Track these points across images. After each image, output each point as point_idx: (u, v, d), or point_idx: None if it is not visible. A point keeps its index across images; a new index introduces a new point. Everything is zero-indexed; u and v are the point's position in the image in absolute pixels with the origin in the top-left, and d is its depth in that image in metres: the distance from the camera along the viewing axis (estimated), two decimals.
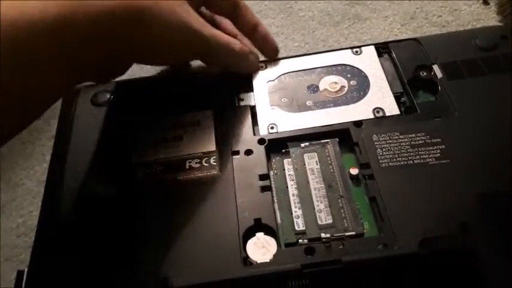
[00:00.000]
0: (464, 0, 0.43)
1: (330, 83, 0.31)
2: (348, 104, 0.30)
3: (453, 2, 0.43)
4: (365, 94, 0.30)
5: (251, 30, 0.32)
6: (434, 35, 0.35)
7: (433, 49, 0.32)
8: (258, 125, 0.29)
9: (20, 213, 0.36)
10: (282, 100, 0.30)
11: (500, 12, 0.42)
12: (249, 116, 0.30)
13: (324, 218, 0.25)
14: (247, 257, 0.24)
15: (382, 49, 0.33)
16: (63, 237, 0.26)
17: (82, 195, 0.27)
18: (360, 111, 0.29)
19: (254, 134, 0.29)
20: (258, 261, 0.24)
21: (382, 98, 0.29)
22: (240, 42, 0.30)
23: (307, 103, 0.30)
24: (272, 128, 0.29)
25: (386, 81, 0.30)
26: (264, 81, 0.32)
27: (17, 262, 0.33)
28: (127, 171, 0.27)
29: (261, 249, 0.24)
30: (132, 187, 0.27)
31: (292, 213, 0.26)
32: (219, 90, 0.31)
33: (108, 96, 0.31)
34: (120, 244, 0.25)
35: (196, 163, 0.27)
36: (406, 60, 0.32)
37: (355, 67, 0.32)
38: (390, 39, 0.41)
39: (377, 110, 0.29)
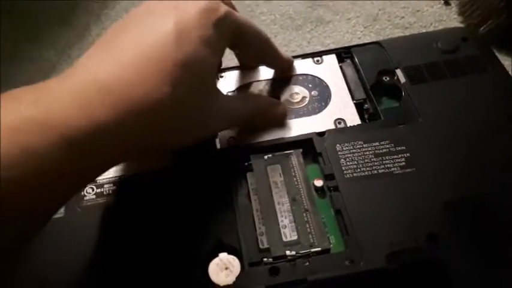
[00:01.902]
0: (426, 1, 0.43)
1: (291, 94, 0.30)
2: (309, 115, 0.29)
3: (415, 3, 0.43)
4: (326, 104, 0.29)
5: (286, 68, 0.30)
6: (397, 38, 0.35)
7: (395, 53, 0.31)
8: (217, 138, 0.28)
9: None
10: None
11: (461, 13, 0.42)
12: None
13: (289, 234, 0.24)
14: (209, 280, 0.22)
15: (345, 54, 0.32)
16: None
17: None
18: (321, 122, 0.28)
19: (215, 147, 0.27)
20: (221, 285, 0.22)
21: (343, 108, 0.29)
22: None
23: None
24: (230, 141, 0.28)
25: (348, 91, 0.30)
26: (224, 92, 0.30)
27: None
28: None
29: (224, 270, 0.23)
30: (81, 208, 0.25)
31: (256, 230, 0.24)
32: None
33: None
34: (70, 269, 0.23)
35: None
36: (368, 65, 0.31)
37: (316, 77, 0.31)
38: (353, 42, 0.41)
39: (338, 121, 0.28)
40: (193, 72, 0.20)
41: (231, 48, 0.27)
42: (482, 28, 0.38)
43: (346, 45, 0.33)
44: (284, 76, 0.31)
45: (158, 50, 0.20)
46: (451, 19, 0.42)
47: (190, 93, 0.20)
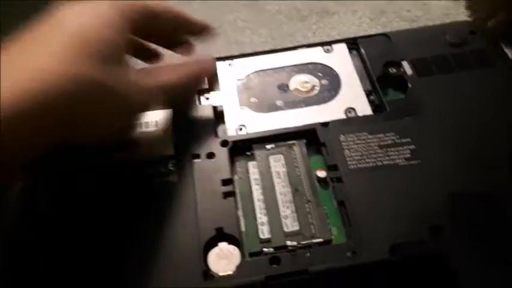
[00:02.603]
0: None
1: (300, 82, 0.30)
2: (319, 104, 0.28)
3: None
4: (336, 94, 0.29)
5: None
6: (404, 30, 0.34)
7: (402, 45, 0.31)
8: (225, 126, 0.28)
9: None
10: (251, 100, 0.29)
11: (469, 6, 0.41)
12: (212, 116, 0.28)
13: (290, 224, 0.24)
14: (208, 269, 0.22)
15: (351, 45, 0.32)
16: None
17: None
18: (331, 111, 0.28)
19: (217, 136, 0.27)
20: (220, 274, 0.22)
21: (353, 97, 0.28)
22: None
23: (278, 103, 0.29)
24: (241, 129, 0.27)
25: (358, 80, 0.29)
26: (232, 80, 0.30)
27: None
28: (73, 173, 0.25)
29: (224, 260, 0.23)
30: (80, 192, 0.25)
31: (256, 220, 0.24)
32: None
33: None
34: (66, 256, 0.23)
35: (153, 169, 0.26)
36: (375, 56, 0.31)
37: (326, 65, 0.30)
38: (360, 34, 0.40)
39: (349, 110, 0.28)
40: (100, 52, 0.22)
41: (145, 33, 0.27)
42: (490, 22, 0.38)
43: (352, 36, 0.33)
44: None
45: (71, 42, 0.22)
46: (458, 13, 0.41)
47: (99, 71, 0.22)
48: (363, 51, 0.31)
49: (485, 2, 0.39)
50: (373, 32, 0.40)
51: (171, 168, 0.26)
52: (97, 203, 0.25)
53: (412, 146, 0.26)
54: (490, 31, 0.37)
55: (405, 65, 0.30)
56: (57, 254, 0.23)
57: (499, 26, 0.37)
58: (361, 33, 0.40)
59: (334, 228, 0.24)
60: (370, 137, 0.26)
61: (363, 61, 0.31)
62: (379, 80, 0.29)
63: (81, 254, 0.23)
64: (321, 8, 0.43)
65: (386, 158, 0.25)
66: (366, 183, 0.24)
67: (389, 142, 0.26)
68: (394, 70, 0.30)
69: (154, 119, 0.28)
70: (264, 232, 0.24)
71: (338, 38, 0.39)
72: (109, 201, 0.25)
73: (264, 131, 0.27)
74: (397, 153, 0.25)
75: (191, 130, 0.27)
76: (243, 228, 0.24)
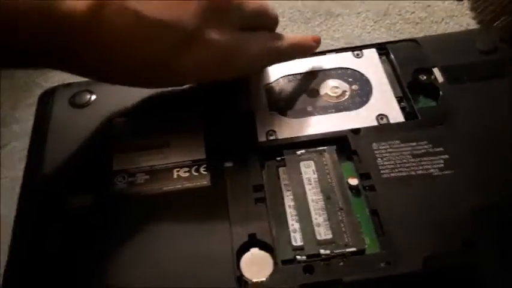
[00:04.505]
0: None
1: (330, 88, 0.29)
2: (350, 109, 0.28)
3: None
4: (368, 100, 0.28)
5: None
6: (433, 36, 0.34)
7: (432, 51, 0.31)
8: (255, 131, 0.27)
9: None
10: (281, 105, 0.29)
11: (473, 8, 0.41)
12: (244, 121, 0.28)
13: (323, 232, 0.23)
14: (242, 275, 0.22)
15: (380, 50, 0.31)
16: (37, 251, 0.23)
17: (58, 204, 0.24)
18: (362, 117, 0.27)
19: (249, 141, 0.27)
20: (253, 280, 0.22)
21: (385, 104, 0.28)
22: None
23: (308, 108, 0.28)
24: (271, 134, 0.27)
25: (390, 86, 0.29)
26: (261, 84, 0.30)
27: None
28: (107, 179, 0.25)
29: (256, 266, 0.23)
30: (113, 197, 0.25)
31: (288, 227, 0.24)
32: (210, 92, 0.29)
33: (88, 97, 0.29)
34: (98, 260, 0.23)
35: (184, 172, 0.25)
36: (404, 62, 0.30)
37: (356, 71, 0.30)
38: (363, 36, 0.40)
39: (381, 116, 0.27)
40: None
41: None
42: (495, 25, 0.37)
43: (355, 39, 0.32)
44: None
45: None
46: (462, 14, 0.41)
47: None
48: (392, 56, 0.31)
49: (490, 4, 0.38)
50: (377, 34, 0.40)
51: (203, 172, 0.25)
52: (125, 204, 0.25)
53: (446, 156, 0.25)
54: (496, 33, 0.37)
55: (436, 71, 0.29)
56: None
57: (504, 28, 0.37)
58: (365, 36, 0.40)
59: (367, 238, 0.24)
60: (402, 145, 0.26)
61: (392, 67, 0.30)
62: (410, 86, 0.29)
63: (114, 257, 0.23)
64: (324, 10, 0.43)
65: (420, 167, 0.25)
66: (399, 193, 0.24)
67: (422, 151, 0.26)
68: (425, 77, 0.29)
69: (185, 122, 0.27)
70: (297, 239, 0.23)
71: (342, 40, 0.39)
72: (138, 203, 0.25)
73: (295, 137, 0.27)
74: (430, 162, 0.25)
75: (222, 134, 0.27)
76: (274, 233, 0.24)
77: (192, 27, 0.23)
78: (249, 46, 0.26)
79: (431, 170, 0.25)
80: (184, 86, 0.28)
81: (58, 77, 0.37)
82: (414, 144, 0.26)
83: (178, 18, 0.23)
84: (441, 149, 0.26)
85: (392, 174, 0.25)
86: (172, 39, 0.23)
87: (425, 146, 0.26)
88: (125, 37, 0.22)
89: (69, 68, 0.24)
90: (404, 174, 0.25)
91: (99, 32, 0.22)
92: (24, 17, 0.21)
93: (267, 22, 0.28)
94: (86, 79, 0.27)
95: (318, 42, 0.30)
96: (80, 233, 0.23)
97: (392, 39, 0.34)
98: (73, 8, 0.21)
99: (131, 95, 0.29)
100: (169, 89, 0.28)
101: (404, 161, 0.25)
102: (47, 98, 0.29)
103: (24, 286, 0.22)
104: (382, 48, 0.31)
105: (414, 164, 0.25)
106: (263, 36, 0.27)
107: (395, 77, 0.30)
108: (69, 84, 0.30)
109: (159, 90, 0.28)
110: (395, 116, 0.28)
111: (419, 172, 0.25)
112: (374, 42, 0.32)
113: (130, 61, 0.23)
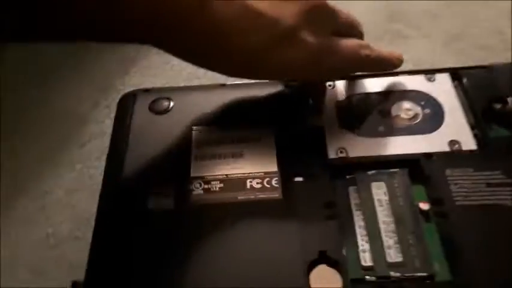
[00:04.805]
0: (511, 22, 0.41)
1: (403, 109, 0.29)
2: (422, 133, 0.28)
3: (498, 24, 0.41)
4: (440, 124, 0.28)
5: None
6: (507, 64, 0.33)
7: (506, 79, 0.30)
8: (325, 148, 0.28)
9: (49, 223, 0.34)
10: (352, 122, 0.29)
11: None
12: (315, 137, 0.28)
13: (394, 255, 0.24)
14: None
15: (453, 75, 0.31)
16: (119, 251, 0.25)
17: (139, 207, 0.26)
18: (434, 142, 0.27)
19: (320, 157, 0.27)
20: None
21: (457, 130, 0.28)
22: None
23: (379, 128, 0.29)
24: (341, 152, 0.27)
25: (462, 112, 0.29)
26: (332, 101, 0.30)
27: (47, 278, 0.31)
28: (185, 184, 0.26)
29: (325, 281, 0.23)
30: (191, 203, 0.26)
31: (358, 247, 0.24)
32: (283, 106, 0.30)
33: (167, 103, 0.30)
34: (174, 262, 0.24)
35: (257, 183, 0.26)
36: (478, 89, 0.30)
37: (429, 95, 0.30)
38: (432, 60, 0.39)
39: (453, 142, 0.27)
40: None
41: None
42: None
43: (424, 62, 0.32)
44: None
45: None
46: None
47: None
48: (465, 82, 0.31)
49: None
50: (445, 59, 0.39)
51: (275, 185, 0.26)
52: (201, 209, 0.26)
53: None
54: None
55: (510, 101, 0.29)
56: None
57: None
58: (435, 60, 0.39)
59: (437, 264, 0.24)
60: (476, 173, 0.26)
61: (465, 93, 0.30)
62: (483, 114, 0.29)
63: (191, 260, 0.24)
64: (392, 31, 0.42)
65: (494, 197, 0.25)
66: (472, 221, 0.24)
67: (497, 181, 0.25)
68: (499, 106, 0.29)
69: (258, 135, 0.28)
70: (366, 259, 0.24)
71: (410, 63, 0.39)
72: (213, 210, 0.26)
73: (366, 156, 0.27)
74: (504, 193, 0.25)
75: (293, 148, 0.28)
76: (344, 252, 0.24)
77: (290, 25, 0.25)
78: (339, 49, 0.27)
79: (506, 201, 0.25)
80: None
81: (134, 81, 0.39)
82: (488, 173, 0.26)
83: (279, 15, 0.25)
84: None
85: (465, 202, 0.25)
86: (271, 32, 0.25)
87: (500, 176, 0.26)
88: (230, 25, 0.24)
89: (170, 48, 0.25)
90: (478, 203, 0.25)
91: (208, 18, 0.23)
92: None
93: (355, 33, 0.29)
94: (163, 86, 0.28)
95: (401, 61, 0.31)
96: (161, 235, 0.25)
97: (461, 64, 0.33)
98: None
99: (208, 104, 0.30)
100: (246, 99, 0.29)
101: (478, 189, 0.25)
102: (127, 102, 0.31)
103: (106, 286, 0.24)
104: (455, 73, 0.31)
105: (488, 194, 0.25)
106: (353, 43, 0.28)
107: (468, 104, 0.30)
108: (148, 90, 0.31)
109: (236, 101, 0.30)
110: (468, 143, 0.27)
111: (493, 202, 0.25)
112: (443, 66, 0.32)
113: (231, 47, 0.24)
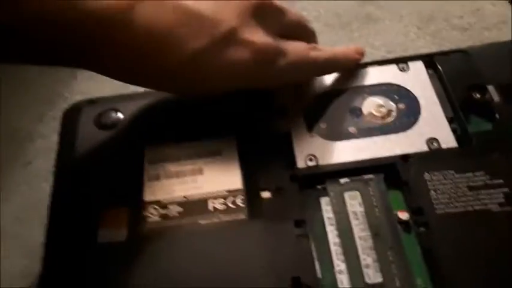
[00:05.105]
0: None
1: (375, 106, 0.27)
2: (397, 132, 0.26)
3: (475, 1, 0.39)
4: (416, 120, 0.26)
5: None
6: (486, 46, 0.31)
7: (485, 64, 0.28)
8: (293, 156, 0.25)
9: None
10: (321, 126, 0.26)
11: None
12: (281, 145, 0.26)
13: (373, 275, 0.22)
14: None
15: (427, 63, 0.29)
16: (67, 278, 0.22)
17: (88, 241, 0.23)
18: (411, 141, 0.25)
19: (288, 167, 0.25)
20: None
21: (435, 126, 0.26)
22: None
23: (350, 130, 0.26)
24: (311, 159, 0.25)
25: (439, 105, 0.26)
26: (298, 103, 0.27)
27: None
28: (138, 211, 0.24)
29: None
30: (144, 232, 0.23)
31: (334, 267, 0.22)
32: (243, 113, 0.27)
33: (115, 116, 0.27)
34: None
35: (220, 204, 0.24)
36: (455, 78, 0.28)
37: (402, 87, 0.27)
38: (406, 44, 0.37)
39: (431, 140, 0.25)
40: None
41: None
42: None
43: (398, 47, 0.30)
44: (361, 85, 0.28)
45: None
46: None
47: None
48: (440, 70, 0.28)
49: None
50: (421, 42, 0.37)
51: (240, 204, 0.24)
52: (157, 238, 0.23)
53: (506, 189, 0.23)
54: None
55: (491, 89, 0.27)
56: None
57: None
58: (409, 43, 0.37)
59: (419, 279, 0.22)
60: (457, 176, 0.24)
61: (441, 82, 0.28)
62: (461, 106, 0.27)
63: None
64: (363, 15, 0.39)
65: (478, 202, 0.23)
66: (455, 231, 0.22)
67: (480, 183, 0.23)
68: (479, 95, 0.27)
69: (218, 147, 0.25)
70: (343, 282, 0.22)
71: (383, 48, 0.36)
72: (172, 238, 0.23)
73: (337, 164, 0.25)
74: (489, 196, 0.23)
75: (258, 159, 0.25)
76: (319, 274, 0.22)
77: (233, 26, 0.23)
78: (286, 53, 0.24)
79: (491, 206, 0.23)
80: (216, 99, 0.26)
81: (82, 87, 0.36)
82: (470, 174, 0.24)
83: (220, 15, 0.22)
84: (500, 181, 0.23)
85: (447, 210, 0.23)
86: (212, 36, 0.22)
87: (483, 177, 0.24)
88: (164, 31, 0.21)
89: (101, 68, 0.23)
90: (460, 210, 0.23)
91: (136, 26, 0.21)
92: (60, 13, 0.20)
93: (305, 35, 0.27)
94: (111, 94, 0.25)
95: (362, 54, 0.28)
96: (114, 271, 0.22)
97: (438, 48, 0.31)
98: (107, 4, 0.20)
99: (161, 115, 0.27)
100: (204, 110, 0.26)
101: (460, 194, 0.23)
102: (71, 117, 0.27)
103: None
104: (429, 61, 0.29)
105: (471, 198, 0.23)
106: (301, 46, 0.26)
107: (445, 94, 0.27)
108: (94, 101, 0.28)
109: (191, 111, 0.27)
110: (447, 140, 0.25)
111: (477, 208, 0.23)
112: (418, 51, 0.30)
113: (166, 58, 0.22)
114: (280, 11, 0.25)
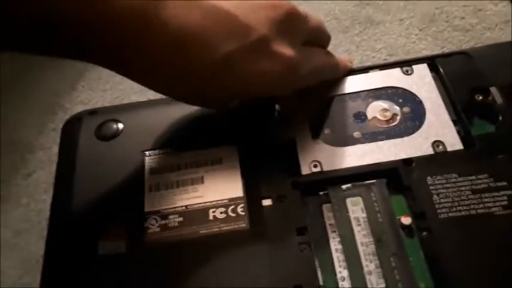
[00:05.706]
0: None
1: (379, 110, 0.27)
2: (402, 136, 0.25)
3: (477, 2, 0.38)
4: (421, 124, 0.26)
5: None
6: (487, 47, 0.31)
7: (487, 65, 0.28)
8: (298, 163, 0.25)
9: None
10: (326, 132, 0.26)
11: None
12: (283, 152, 0.25)
13: (375, 281, 0.21)
14: None
15: (430, 65, 0.28)
16: None
17: (88, 253, 0.23)
18: (416, 145, 0.25)
19: (291, 174, 0.25)
20: None
21: (441, 128, 0.25)
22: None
23: (355, 135, 0.26)
24: (316, 166, 0.25)
25: (445, 108, 0.26)
26: (302, 109, 0.27)
27: None
28: (139, 222, 0.24)
29: None
30: (145, 243, 0.23)
31: (336, 274, 0.22)
32: (247, 120, 0.27)
33: (115, 126, 0.27)
34: None
35: (221, 213, 0.24)
36: (457, 80, 0.27)
37: (407, 90, 0.27)
38: (408, 46, 0.37)
39: (437, 143, 0.25)
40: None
41: None
42: None
43: (399, 49, 0.29)
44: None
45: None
46: None
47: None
48: (442, 73, 0.28)
49: None
50: (423, 43, 0.36)
51: (241, 212, 0.24)
52: (158, 249, 0.23)
53: (510, 192, 0.23)
54: None
55: (494, 91, 0.27)
56: None
57: None
58: (410, 45, 0.36)
59: (421, 283, 0.21)
60: (460, 179, 0.23)
61: (444, 85, 0.28)
62: (465, 108, 0.26)
63: None
64: (364, 18, 0.39)
65: (481, 205, 0.23)
66: (458, 235, 0.22)
67: (483, 186, 0.23)
68: (481, 97, 0.27)
69: (219, 155, 0.25)
70: None
71: (384, 51, 0.36)
72: (172, 249, 0.23)
73: (339, 170, 0.25)
74: (492, 199, 0.23)
75: (261, 167, 0.25)
76: (320, 282, 0.22)
77: (264, 34, 0.22)
78: (309, 62, 0.25)
79: (494, 209, 0.22)
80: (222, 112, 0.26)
81: (82, 97, 0.36)
82: (473, 177, 0.23)
83: (252, 22, 0.22)
84: (504, 183, 0.23)
85: (450, 214, 0.22)
86: (243, 42, 0.22)
87: (486, 180, 0.23)
88: (193, 32, 0.21)
89: (125, 69, 0.22)
90: (463, 213, 0.22)
91: (169, 24, 0.20)
92: (92, 13, 0.19)
93: (323, 39, 0.28)
94: (111, 105, 0.25)
95: (352, 63, 0.29)
96: (114, 283, 0.22)
97: (440, 49, 0.30)
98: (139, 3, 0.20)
99: (161, 124, 0.27)
100: (204, 118, 0.26)
101: (463, 197, 0.23)
102: (71, 128, 0.27)
103: None
104: (432, 63, 0.29)
105: (474, 202, 0.23)
106: (321, 52, 0.27)
107: (448, 97, 0.27)
108: (95, 112, 0.28)
109: (192, 118, 0.26)
110: (453, 142, 0.25)
111: (480, 211, 0.22)
112: (420, 52, 0.30)
113: (198, 58, 0.21)
114: (305, 19, 0.25)
